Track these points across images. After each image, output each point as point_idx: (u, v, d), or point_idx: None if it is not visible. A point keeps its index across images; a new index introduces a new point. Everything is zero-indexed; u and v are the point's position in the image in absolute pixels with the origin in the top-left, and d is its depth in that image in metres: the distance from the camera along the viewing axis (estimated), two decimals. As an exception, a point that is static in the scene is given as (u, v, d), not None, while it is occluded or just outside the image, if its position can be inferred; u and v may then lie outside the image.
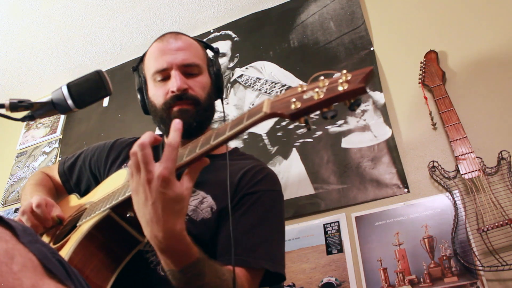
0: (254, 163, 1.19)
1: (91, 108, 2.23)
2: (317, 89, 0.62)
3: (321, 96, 0.61)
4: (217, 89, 1.26)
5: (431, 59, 1.84)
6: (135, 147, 0.76)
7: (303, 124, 0.65)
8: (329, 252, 1.70)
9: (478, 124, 1.69)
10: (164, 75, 1.18)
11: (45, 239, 1.10)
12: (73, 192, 1.33)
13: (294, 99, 0.64)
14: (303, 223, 1.81)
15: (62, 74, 2.84)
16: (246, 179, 1.10)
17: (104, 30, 2.56)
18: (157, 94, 1.18)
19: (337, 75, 0.62)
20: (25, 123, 2.92)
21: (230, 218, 0.95)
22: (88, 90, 0.95)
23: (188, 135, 1.11)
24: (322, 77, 0.63)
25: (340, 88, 0.60)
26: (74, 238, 0.93)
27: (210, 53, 1.36)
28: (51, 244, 1.04)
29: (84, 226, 0.94)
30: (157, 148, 1.27)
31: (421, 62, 1.86)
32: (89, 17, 2.47)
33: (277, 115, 0.66)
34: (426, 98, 1.80)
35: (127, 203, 0.89)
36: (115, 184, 1.04)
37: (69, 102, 0.93)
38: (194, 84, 1.19)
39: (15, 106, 0.92)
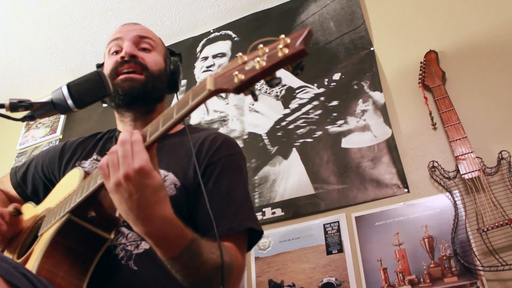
0: (208, 132, 1.19)
1: (91, 108, 2.22)
2: (257, 58, 0.61)
3: (263, 65, 0.60)
4: (171, 81, 1.22)
5: (431, 59, 1.84)
6: (116, 145, 0.76)
7: (249, 95, 0.64)
8: (329, 252, 1.70)
9: (478, 124, 1.69)
10: (118, 46, 1.18)
11: (7, 254, 1.06)
12: (32, 201, 1.27)
13: (236, 72, 0.62)
14: (303, 223, 1.81)
15: (62, 74, 2.84)
16: (204, 149, 1.10)
17: (104, 30, 2.56)
18: (108, 64, 1.17)
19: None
20: (25, 123, 2.92)
21: (204, 192, 0.95)
22: (88, 90, 0.95)
23: (132, 103, 1.12)
24: (261, 45, 0.62)
25: (280, 54, 0.59)
26: (38, 249, 0.90)
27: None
28: (15, 259, 1.01)
29: (46, 235, 0.92)
30: (110, 140, 1.26)
31: (421, 62, 1.86)
32: (89, 17, 2.47)
33: (222, 91, 0.65)
34: (426, 98, 1.80)
35: (86, 203, 0.87)
36: (70, 185, 1.01)
37: (69, 102, 0.93)
38: (146, 55, 1.17)
39: (15, 106, 0.91)
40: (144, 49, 1.18)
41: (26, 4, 2.36)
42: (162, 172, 1.06)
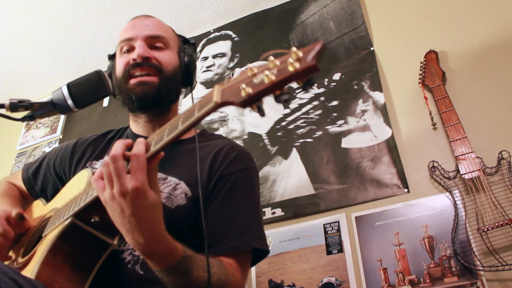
0: (224, 142, 1.15)
1: (91, 108, 2.23)
2: (267, 72, 0.58)
3: (273, 79, 0.57)
4: (186, 76, 1.18)
5: (431, 59, 1.84)
6: (108, 159, 0.74)
7: (256, 111, 0.61)
8: (329, 252, 1.70)
9: (478, 124, 1.69)
10: (129, 46, 1.14)
11: (13, 252, 1.06)
12: (40, 198, 1.26)
13: (244, 85, 0.59)
14: (303, 223, 1.81)
15: (62, 74, 2.84)
16: (218, 160, 1.08)
17: (104, 30, 2.56)
18: (119, 64, 1.14)
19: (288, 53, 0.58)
20: (25, 123, 2.92)
21: (202, 209, 0.93)
22: (88, 90, 0.94)
23: (146, 107, 1.10)
24: (271, 57, 0.59)
25: (291, 68, 0.56)
26: (40, 251, 0.89)
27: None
28: (19, 258, 1.02)
29: (49, 237, 0.91)
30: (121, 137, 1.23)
31: (421, 62, 1.86)
32: (89, 17, 2.47)
33: (228, 104, 0.62)
34: (426, 98, 1.80)
35: (90, 207, 0.86)
36: (78, 186, 0.99)
37: (69, 102, 0.93)
38: (159, 55, 1.13)
39: (15, 106, 0.91)
40: (157, 47, 1.15)
41: (26, 4, 2.36)
42: (174, 180, 1.05)
